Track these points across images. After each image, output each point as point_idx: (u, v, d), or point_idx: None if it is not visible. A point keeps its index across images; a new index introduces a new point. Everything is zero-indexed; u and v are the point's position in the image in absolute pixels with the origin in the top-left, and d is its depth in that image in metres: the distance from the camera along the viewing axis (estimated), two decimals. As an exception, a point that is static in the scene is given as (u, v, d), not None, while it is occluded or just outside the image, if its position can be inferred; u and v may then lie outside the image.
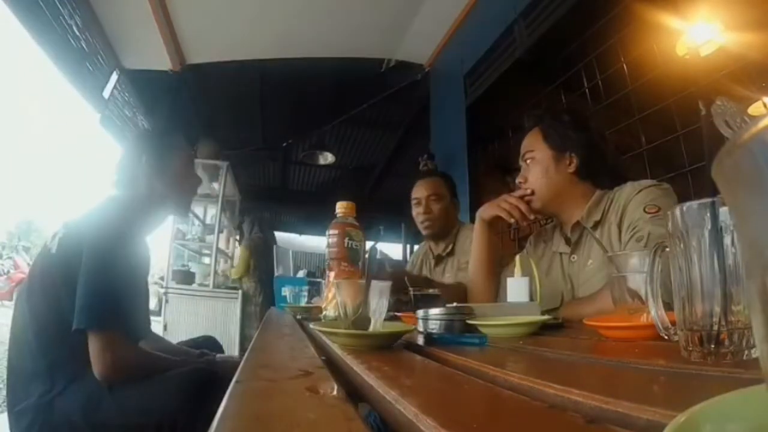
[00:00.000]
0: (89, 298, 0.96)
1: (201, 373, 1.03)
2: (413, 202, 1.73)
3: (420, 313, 0.81)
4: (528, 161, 1.13)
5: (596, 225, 1.04)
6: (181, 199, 1.30)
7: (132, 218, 1.14)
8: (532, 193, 1.11)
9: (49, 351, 0.99)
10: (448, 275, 1.64)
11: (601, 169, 1.10)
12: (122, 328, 0.99)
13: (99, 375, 0.95)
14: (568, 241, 1.12)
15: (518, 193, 1.14)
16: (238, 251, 4.49)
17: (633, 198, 0.98)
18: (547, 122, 1.14)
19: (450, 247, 1.68)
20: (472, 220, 1.96)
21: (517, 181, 1.17)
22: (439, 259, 1.72)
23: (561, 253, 1.13)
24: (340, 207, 0.93)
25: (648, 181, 1.01)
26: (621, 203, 1.00)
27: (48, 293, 1.03)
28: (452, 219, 1.72)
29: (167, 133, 1.37)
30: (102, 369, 0.95)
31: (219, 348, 1.53)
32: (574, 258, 1.10)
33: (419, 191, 1.71)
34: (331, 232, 0.91)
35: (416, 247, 2.21)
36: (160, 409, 0.94)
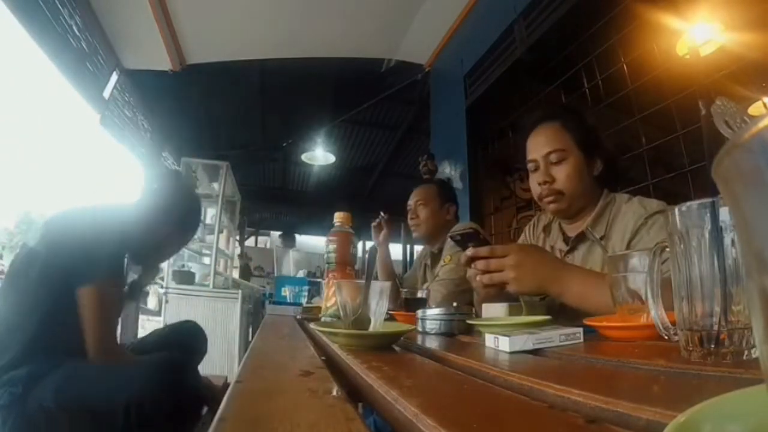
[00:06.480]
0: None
1: (169, 361, 1.07)
2: (408, 208, 1.86)
3: (420, 312, 0.81)
4: (556, 161, 1.04)
5: (601, 239, 1.00)
6: (153, 260, 1.41)
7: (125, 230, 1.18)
8: (560, 193, 1.04)
9: (28, 338, 1.03)
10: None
11: (614, 177, 1.08)
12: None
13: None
14: (566, 240, 1.10)
15: (542, 193, 1.05)
16: (238, 251, 4.48)
17: (643, 226, 0.92)
18: (574, 121, 1.07)
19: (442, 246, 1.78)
20: (472, 220, 1.97)
21: (540, 180, 1.05)
22: (434, 257, 1.81)
23: (559, 249, 1.11)
24: (338, 217, 0.99)
25: (657, 205, 0.95)
26: (630, 225, 0.94)
27: (26, 285, 1.07)
28: (442, 222, 1.80)
29: (196, 215, 1.45)
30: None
31: (203, 339, 1.54)
32: (569, 258, 1.08)
33: (411, 198, 1.85)
34: (330, 238, 0.97)
35: (417, 247, 2.25)
36: (127, 394, 0.96)
